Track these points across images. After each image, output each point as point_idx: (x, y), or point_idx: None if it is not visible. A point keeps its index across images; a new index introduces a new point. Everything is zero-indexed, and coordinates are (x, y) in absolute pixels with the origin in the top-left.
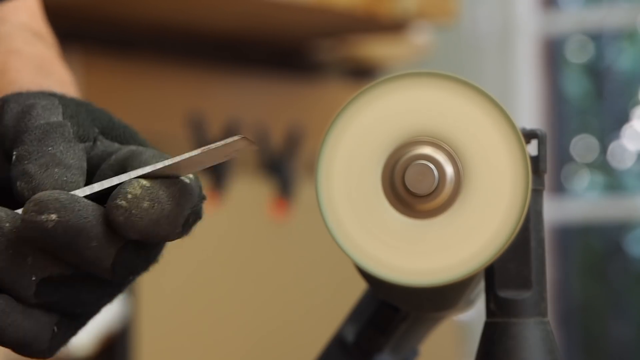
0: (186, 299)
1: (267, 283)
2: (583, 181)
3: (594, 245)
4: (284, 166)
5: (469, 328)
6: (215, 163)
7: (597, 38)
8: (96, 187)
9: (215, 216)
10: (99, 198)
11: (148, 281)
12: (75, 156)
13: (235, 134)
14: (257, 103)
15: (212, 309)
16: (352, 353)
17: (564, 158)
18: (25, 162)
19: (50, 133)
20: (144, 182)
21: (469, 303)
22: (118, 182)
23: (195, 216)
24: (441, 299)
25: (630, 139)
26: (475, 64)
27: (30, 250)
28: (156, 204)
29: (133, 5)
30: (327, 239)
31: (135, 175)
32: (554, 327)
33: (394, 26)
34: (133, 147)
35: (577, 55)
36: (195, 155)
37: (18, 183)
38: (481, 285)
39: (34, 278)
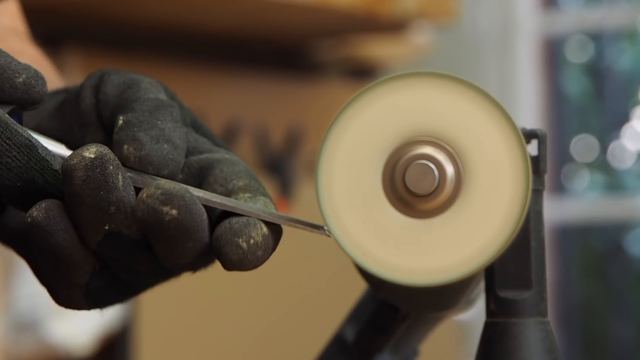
0: (186, 299)
1: (267, 283)
2: (583, 181)
3: (594, 245)
4: (284, 166)
5: (469, 328)
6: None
7: (597, 38)
8: (216, 199)
9: None
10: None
11: None
12: (181, 137)
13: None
14: (257, 103)
15: (212, 308)
16: (352, 353)
17: (564, 158)
18: (135, 129)
19: (161, 109)
20: (265, 229)
21: (469, 303)
22: (236, 206)
23: None
24: (441, 299)
25: (630, 139)
26: (475, 64)
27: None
28: (265, 254)
29: (133, 5)
30: (327, 238)
31: (256, 213)
32: (554, 327)
33: (394, 26)
34: (227, 155)
35: (577, 55)
36: (302, 221)
37: (125, 147)
38: (481, 285)
39: (107, 227)
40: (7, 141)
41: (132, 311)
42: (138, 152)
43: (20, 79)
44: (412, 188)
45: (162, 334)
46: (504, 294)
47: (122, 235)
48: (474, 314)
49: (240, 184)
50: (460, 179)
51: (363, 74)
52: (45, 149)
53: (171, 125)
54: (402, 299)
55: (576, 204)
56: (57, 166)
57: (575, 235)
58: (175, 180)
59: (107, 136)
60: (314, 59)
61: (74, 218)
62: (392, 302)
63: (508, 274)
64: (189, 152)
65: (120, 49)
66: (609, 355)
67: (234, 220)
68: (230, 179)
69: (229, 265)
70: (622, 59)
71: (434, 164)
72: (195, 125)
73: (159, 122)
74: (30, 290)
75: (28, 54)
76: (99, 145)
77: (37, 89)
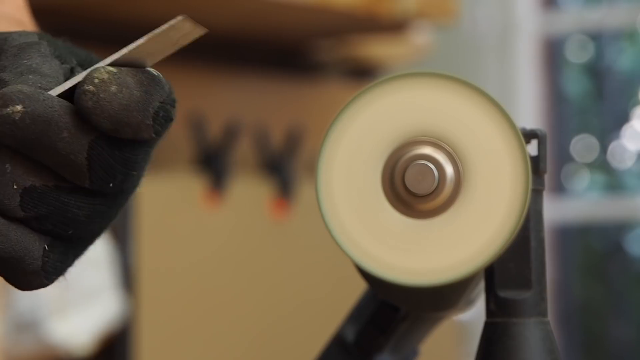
0: (186, 298)
1: (267, 283)
2: (583, 181)
3: (594, 245)
4: (284, 166)
5: (469, 328)
6: (169, 52)
7: (597, 38)
8: (67, 84)
9: (215, 216)
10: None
11: (148, 281)
12: (51, 68)
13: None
14: (257, 103)
15: (212, 308)
16: (352, 353)
17: (564, 158)
18: (1, 72)
19: (26, 49)
20: (110, 68)
21: (469, 303)
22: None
23: (165, 113)
24: (441, 299)
25: (630, 139)
26: (475, 64)
27: (7, 157)
28: (124, 89)
29: (133, 5)
30: (327, 239)
31: (101, 64)
32: (554, 327)
33: (394, 26)
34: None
35: (577, 55)
36: (146, 41)
37: None
38: (481, 285)
39: (15, 187)
40: None
41: (132, 311)
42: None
43: None
44: (412, 188)
45: (162, 334)
46: (504, 294)
47: (36, 187)
48: (474, 314)
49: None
50: (460, 179)
51: (363, 74)
52: None
53: (39, 60)
54: (402, 299)
55: (576, 204)
56: None
57: (575, 235)
58: None
59: None
60: (314, 59)
61: None
62: (392, 302)
63: (508, 274)
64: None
65: (120, 49)
66: (608, 356)
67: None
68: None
69: (93, 115)
70: (622, 59)
71: (433, 164)
72: (84, 63)
73: (25, 61)
74: None
75: None
76: None
77: None
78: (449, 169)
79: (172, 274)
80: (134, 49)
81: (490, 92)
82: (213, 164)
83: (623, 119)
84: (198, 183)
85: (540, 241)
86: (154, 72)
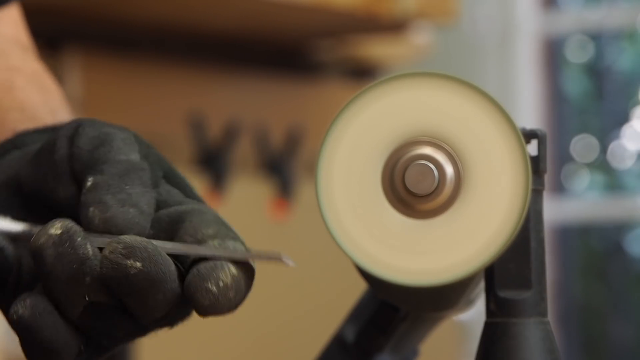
0: None
1: (267, 283)
2: (583, 181)
3: (594, 245)
4: (284, 166)
5: (469, 328)
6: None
7: (597, 38)
8: (179, 247)
9: None
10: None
11: None
12: (148, 203)
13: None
14: (257, 103)
15: None
16: (352, 353)
17: (564, 158)
18: (103, 192)
19: (131, 173)
20: (233, 270)
21: (469, 303)
22: (202, 252)
23: None
24: (441, 299)
25: (630, 139)
26: (475, 64)
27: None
28: (238, 295)
29: (133, 5)
30: (327, 239)
31: (223, 255)
32: (554, 327)
33: (394, 26)
34: (195, 206)
35: (577, 55)
36: (260, 252)
37: (91, 209)
38: (481, 285)
39: (87, 298)
40: None
41: None
42: (103, 214)
43: None
44: (412, 188)
45: (162, 334)
46: (504, 294)
47: (101, 304)
48: (474, 314)
49: (210, 231)
50: (460, 179)
51: (363, 74)
52: None
53: (139, 190)
54: (402, 299)
55: (576, 204)
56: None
57: (575, 235)
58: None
59: (78, 190)
60: (314, 59)
61: (52, 296)
62: (392, 302)
63: (508, 274)
64: (160, 207)
65: (120, 49)
66: (608, 356)
67: (201, 265)
68: (199, 228)
69: (202, 311)
70: (622, 59)
71: (433, 165)
72: (169, 176)
73: (127, 187)
74: None
75: (28, 70)
76: (62, 219)
77: None
78: (449, 169)
79: None
80: (248, 257)
81: (490, 92)
82: (213, 164)
83: (623, 119)
84: (198, 183)
85: (540, 241)
86: (254, 267)
